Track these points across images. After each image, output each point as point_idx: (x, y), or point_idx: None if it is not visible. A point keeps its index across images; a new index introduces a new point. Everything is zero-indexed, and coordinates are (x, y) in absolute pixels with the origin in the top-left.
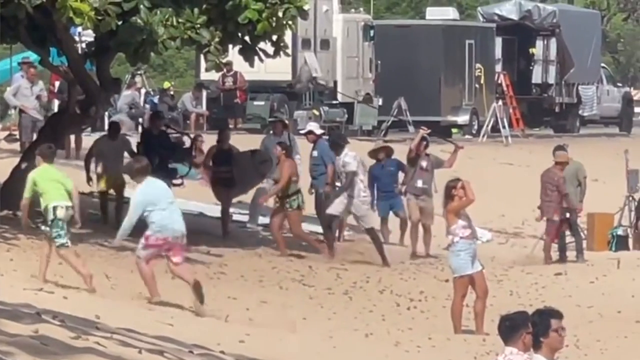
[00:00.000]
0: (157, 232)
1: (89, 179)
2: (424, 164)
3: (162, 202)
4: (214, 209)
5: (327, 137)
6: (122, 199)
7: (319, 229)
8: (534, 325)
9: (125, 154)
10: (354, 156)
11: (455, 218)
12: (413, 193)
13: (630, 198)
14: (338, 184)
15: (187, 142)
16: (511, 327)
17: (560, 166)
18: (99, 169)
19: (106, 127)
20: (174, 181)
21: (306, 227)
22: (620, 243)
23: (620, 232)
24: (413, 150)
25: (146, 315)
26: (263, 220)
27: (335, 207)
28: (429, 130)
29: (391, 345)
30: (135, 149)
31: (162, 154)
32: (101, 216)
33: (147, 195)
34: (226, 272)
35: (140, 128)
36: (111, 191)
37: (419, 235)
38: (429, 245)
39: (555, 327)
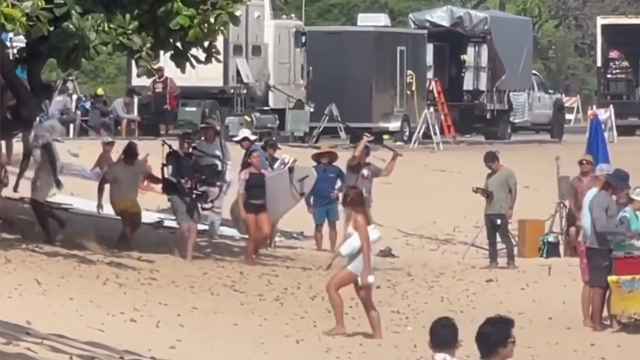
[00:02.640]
0: None
1: (99, 206)
2: (365, 172)
3: None
4: (145, 215)
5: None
6: (138, 226)
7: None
8: (491, 334)
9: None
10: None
11: None
12: None
13: (561, 205)
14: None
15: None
16: (450, 335)
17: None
18: (115, 195)
19: None
20: (204, 205)
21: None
22: (551, 250)
23: (551, 238)
24: (357, 157)
25: (77, 320)
26: (199, 226)
27: (41, 194)
28: (372, 137)
29: (322, 351)
30: (159, 173)
31: (194, 177)
32: (121, 238)
33: None
34: (157, 278)
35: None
36: None
37: None
38: None
39: (513, 338)
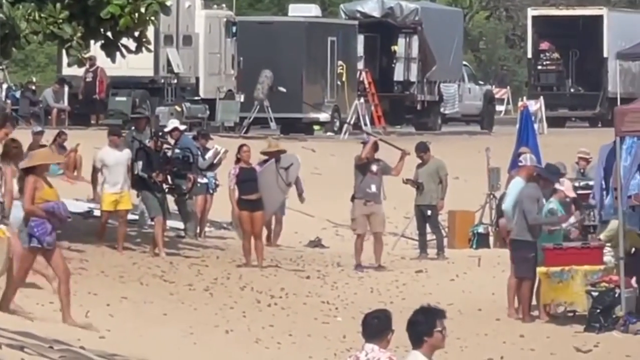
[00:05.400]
0: None
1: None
2: (374, 168)
3: None
4: (75, 205)
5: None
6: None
7: (180, 224)
8: (418, 324)
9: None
10: None
11: None
12: (363, 198)
13: (491, 196)
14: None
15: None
16: (379, 326)
17: None
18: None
19: None
20: (176, 198)
21: (170, 223)
22: (481, 241)
23: (481, 229)
24: (364, 158)
25: None
26: (130, 216)
27: None
28: (379, 137)
29: (252, 342)
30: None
31: (165, 170)
32: (98, 234)
33: None
34: (87, 268)
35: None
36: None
37: (363, 247)
38: (380, 256)
39: (440, 328)
